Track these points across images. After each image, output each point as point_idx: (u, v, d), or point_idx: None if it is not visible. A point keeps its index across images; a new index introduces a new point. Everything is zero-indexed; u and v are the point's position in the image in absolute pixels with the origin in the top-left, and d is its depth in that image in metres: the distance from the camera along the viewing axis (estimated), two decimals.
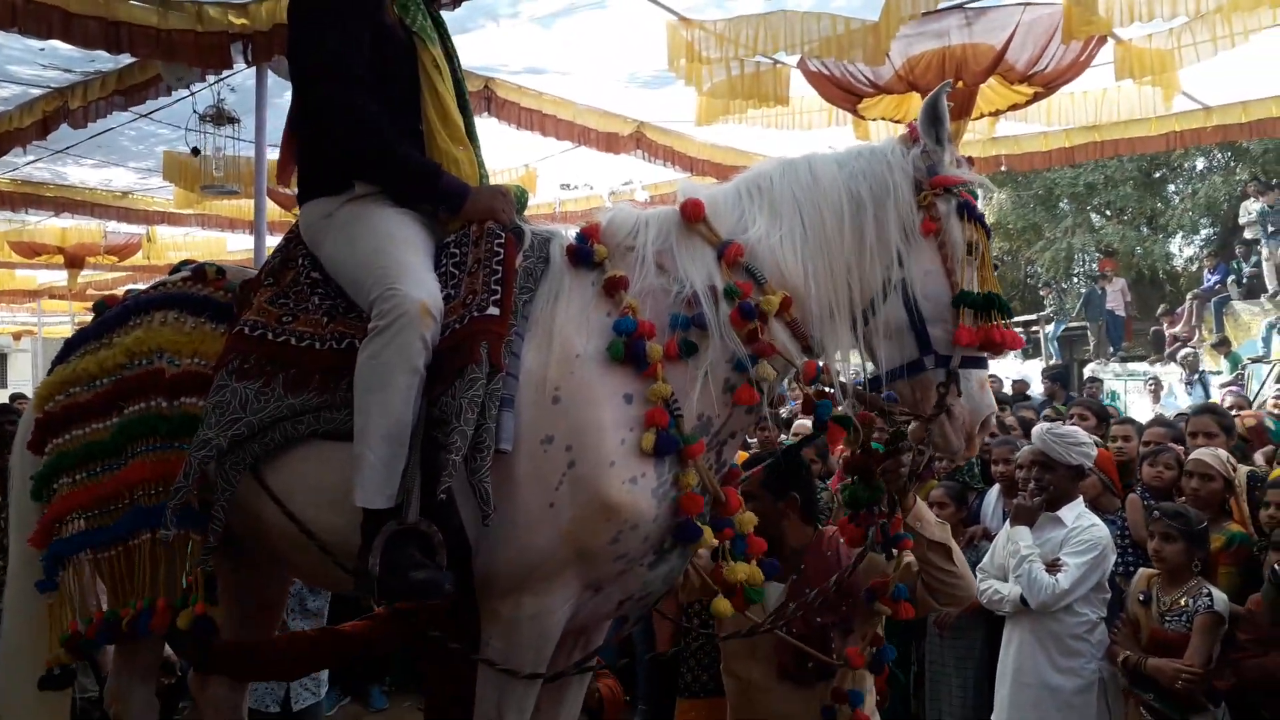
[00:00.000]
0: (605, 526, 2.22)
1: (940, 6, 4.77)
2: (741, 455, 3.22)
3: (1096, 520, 3.95)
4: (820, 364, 2.37)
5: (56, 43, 5.05)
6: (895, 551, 2.64)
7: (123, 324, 2.73)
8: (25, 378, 30.18)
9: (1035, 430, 4.14)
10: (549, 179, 9.44)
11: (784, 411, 7.00)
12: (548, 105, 7.06)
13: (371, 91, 2.44)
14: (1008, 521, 4.04)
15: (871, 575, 2.72)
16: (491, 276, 2.34)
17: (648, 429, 2.23)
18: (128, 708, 2.89)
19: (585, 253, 2.42)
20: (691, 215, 2.39)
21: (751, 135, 8.01)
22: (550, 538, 2.23)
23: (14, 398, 10.55)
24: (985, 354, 2.35)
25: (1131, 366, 15.17)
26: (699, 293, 2.31)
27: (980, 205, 2.40)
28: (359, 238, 2.43)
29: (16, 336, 27.68)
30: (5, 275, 14.44)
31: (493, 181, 2.73)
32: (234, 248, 12.45)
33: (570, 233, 2.63)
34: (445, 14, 2.86)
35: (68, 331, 24.30)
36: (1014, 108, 6.05)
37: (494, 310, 2.27)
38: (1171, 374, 13.28)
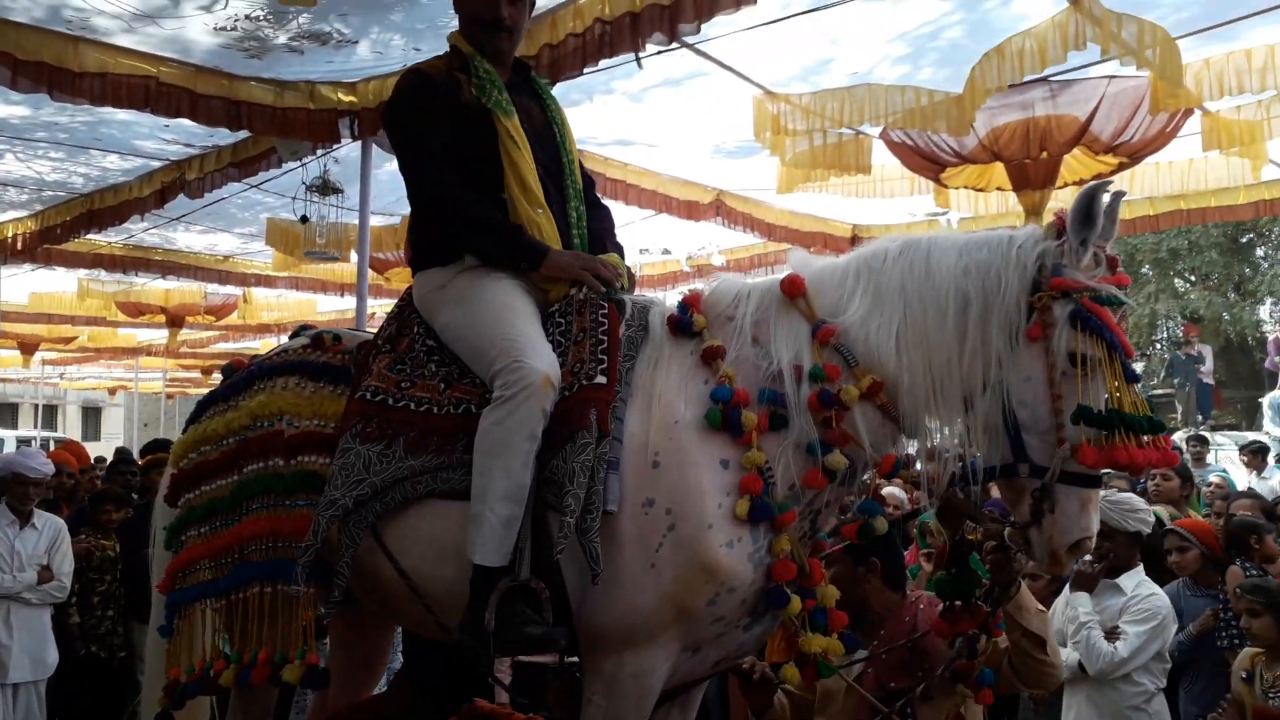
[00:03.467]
0: (704, 588, 2.30)
1: (1025, 79, 4.83)
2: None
3: (1156, 589, 3.91)
4: (904, 453, 2.39)
5: (182, 120, 5.42)
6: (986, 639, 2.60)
7: (248, 388, 2.92)
8: (117, 430, 31.39)
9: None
10: (628, 244, 9.64)
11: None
12: (632, 176, 7.29)
13: (451, 168, 2.63)
14: (1067, 587, 3.99)
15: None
16: (598, 346, 2.47)
17: (742, 495, 2.30)
18: None
19: (685, 323, 2.53)
20: (791, 291, 2.47)
21: (829, 202, 8.12)
22: (652, 598, 2.31)
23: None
24: (1099, 470, 2.24)
25: (1221, 436, 14.68)
26: (783, 371, 2.38)
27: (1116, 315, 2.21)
28: (476, 310, 2.58)
29: (111, 391, 28.87)
30: (108, 333, 15.14)
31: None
32: (323, 308, 12.92)
33: (668, 300, 2.76)
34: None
35: (159, 387, 25.14)
36: (1098, 178, 6.03)
37: (601, 379, 2.40)
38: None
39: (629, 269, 2.84)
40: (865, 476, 2.52)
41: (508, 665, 4.63)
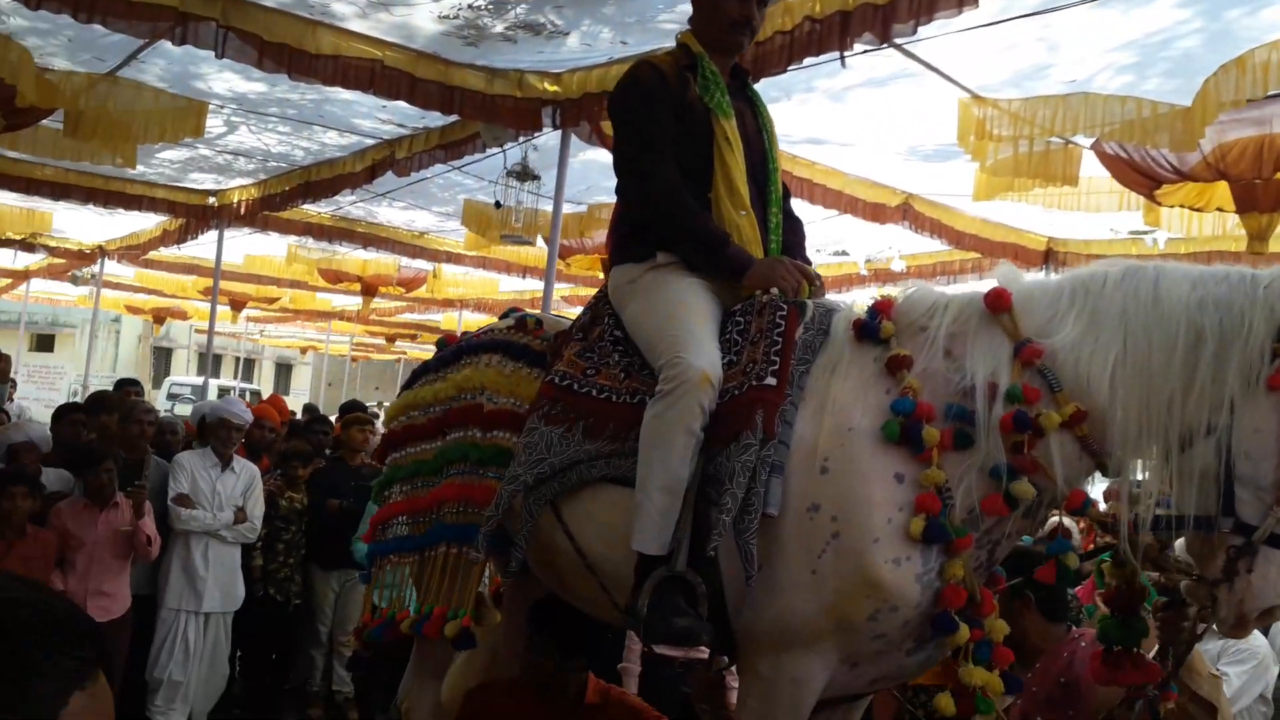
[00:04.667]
0: (865, 602, 2.26)
1: (1267, 94, 4.48)
2: None
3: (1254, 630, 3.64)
4: (1095, 492, 2.26)
5: (398, 101, 5.74)
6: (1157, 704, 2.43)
7: (456, 361, 3.11)
8: (305, 386, 33.65)
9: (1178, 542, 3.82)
10: (808, 244, 9.52)
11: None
12: (819, 175, 7.19)
13: (673, 163, 2.69)
14: None
15: (1115, 695, 2.57)
16: (771, 347, 2.47)
17: (918, 514, 2.23)
18: (418, 706, 3.20)
19: (872, 328, 2.48)
20: (995, 305, 2.37)
21: (1024, 212, 7.76)
22: (811, 604, 2.30)
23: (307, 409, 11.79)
24: None
25: None
26: (976, 386, 2.28)
27: None
28: (657, 304, 2.65)
29: (303, 351, 30.98)
30: (307, 296, 16.22)
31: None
32: (505, 288, 13.42)
33: (854, 305, 2.73)
34: None
35: (346, 350, 26.73)
36: None
37: (771, 380, 2.40)
38: None
39: (818, 275, 2.83)
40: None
41: (637, 654, 4.72)
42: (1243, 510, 2.10)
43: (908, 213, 7.88)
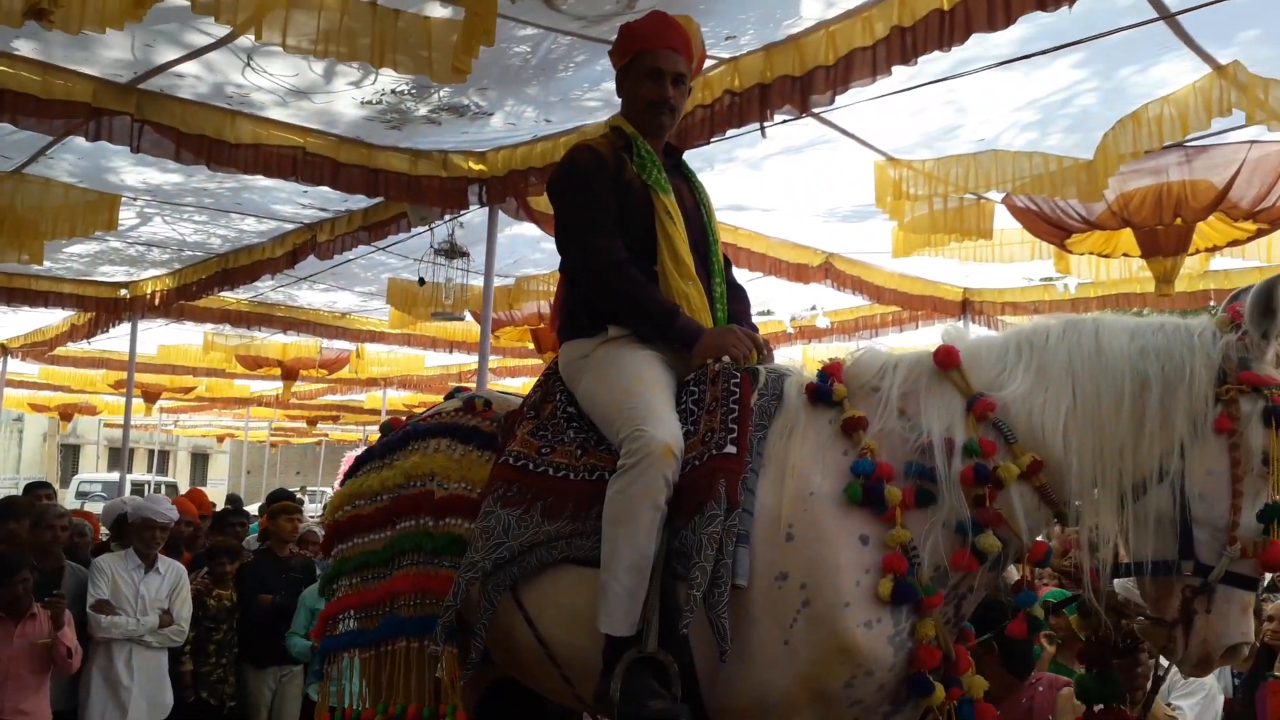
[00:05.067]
0: (840, 669, 2.23)
1: (1162, 145, 4.74)
2: None
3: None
4: (1053, 543, 2.29)
5: (320, 186, 5.69)
6: None
7: (403, 447, 3.03)
8: (223, 475, 32.58)
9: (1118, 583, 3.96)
10: None
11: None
12: (742, 239, 7.34)
13: (617, 238, 2.71)
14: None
15: None
16: (729, 415, 2.46)
17: (885, 575, 2.23)
18: None
19: (824, 391, 2.50)
20: (945, 363, 2.41)
21: (940, 265, 8.02)
22: (785, 676, 2.26)
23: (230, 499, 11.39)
24: (1260, 574, 2.16)
25: None
26: (934, 443, 2.30)
27: None
28: (612, 378, 2.63)
29: (219, 439, 30.06)
30: (225, 384, 15.78)
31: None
32: (431, 363, 13.28)
33: (804, 370, 2.76)
34: None
35: (265, 436, 26.02)
36: (1234, 243, 5.86)
37: (731, 449, 2.39)
38: None
39: (766, 341, 2.87)
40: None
41: None
42: (1200, 551, 2.14)
43: (829, 271, 8.06)
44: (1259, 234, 5.67)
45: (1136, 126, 4.69)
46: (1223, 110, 4.39)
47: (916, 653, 2.24)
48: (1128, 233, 5.74)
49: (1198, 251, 5.83)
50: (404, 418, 3.31)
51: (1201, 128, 4.46)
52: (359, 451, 3.45)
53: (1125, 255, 6.14)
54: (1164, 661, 2.49)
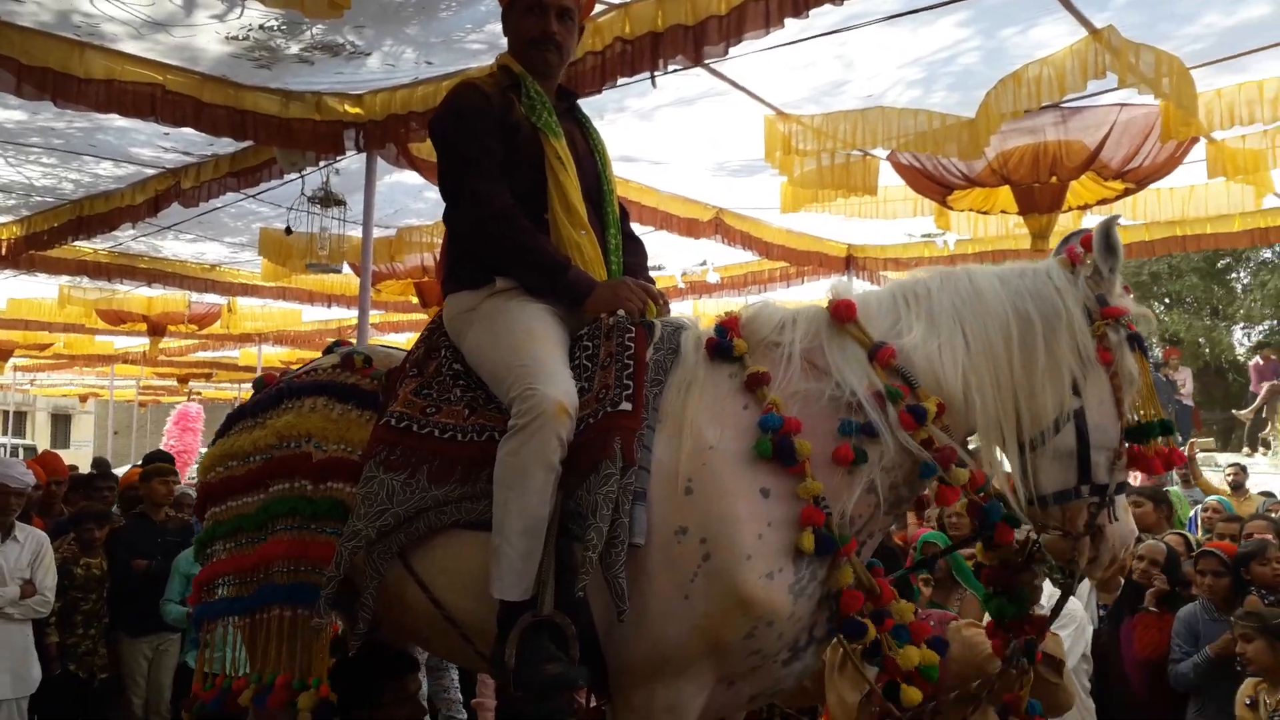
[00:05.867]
0: (740, 621, 2.23)
1: (1040, 105, 4.85)
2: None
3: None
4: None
5: (183, 128, 5.32)
6: (1029, 665, 2.55)
7: (276, 406, 2.87)
8: (88, 439, 30.90)
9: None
10: None
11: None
12: (633, 193, 7.25)
13: (504, 184, 2.59)
14: None
15: (965, 669, 2.69)
16: (623, 371, 2.40)
17: (804, 528, 2.24)
18: None
19: (724, 346, 2.46)
20: (843, 316, 2.42)
21: (826, 222, 8.13)
22: (684, 630, 2.25)
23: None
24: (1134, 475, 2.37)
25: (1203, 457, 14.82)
26: (861, 397, 2.32)
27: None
28: (500, 333, 2.53)
29: (83, 398, 28.43)
30: (85, 340, 14.88)
31: None
32: (309, 318, 12.78)
33: (700, 323, 2.71)
34: None
35: (133, 395, 24.79)
36: (1103, 202, 6.08)
37: (626, 405, 2.33)
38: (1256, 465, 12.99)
39: (661, 293, 2.80)
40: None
41: (492, 689, 4.57)
42: (1096, 473, 2.28)
43: (719, 226, 8.07)
44: (1126, 193, 5.92)
45: (1017, 86, 4.78)
46: (1097, 73, 4.51)
47: (842, 598, 2.26)
48: (1006, 190, 5.90)
49: (1070, 209, 6.03)
50: (279, 373, 3.13)
51: (1078, 89, 4.58)
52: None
53: (1003, 212, 6.33)
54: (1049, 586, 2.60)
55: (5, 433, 23.49)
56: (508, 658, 2.23)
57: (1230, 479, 9.59)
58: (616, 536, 2.20)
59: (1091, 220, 7.46)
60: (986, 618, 2.69)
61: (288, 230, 6.89)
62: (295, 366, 3.55)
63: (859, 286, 2.63)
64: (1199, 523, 6.99)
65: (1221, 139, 5.74)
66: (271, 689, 2.64)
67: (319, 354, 3.16)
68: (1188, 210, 6.97)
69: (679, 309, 10.64)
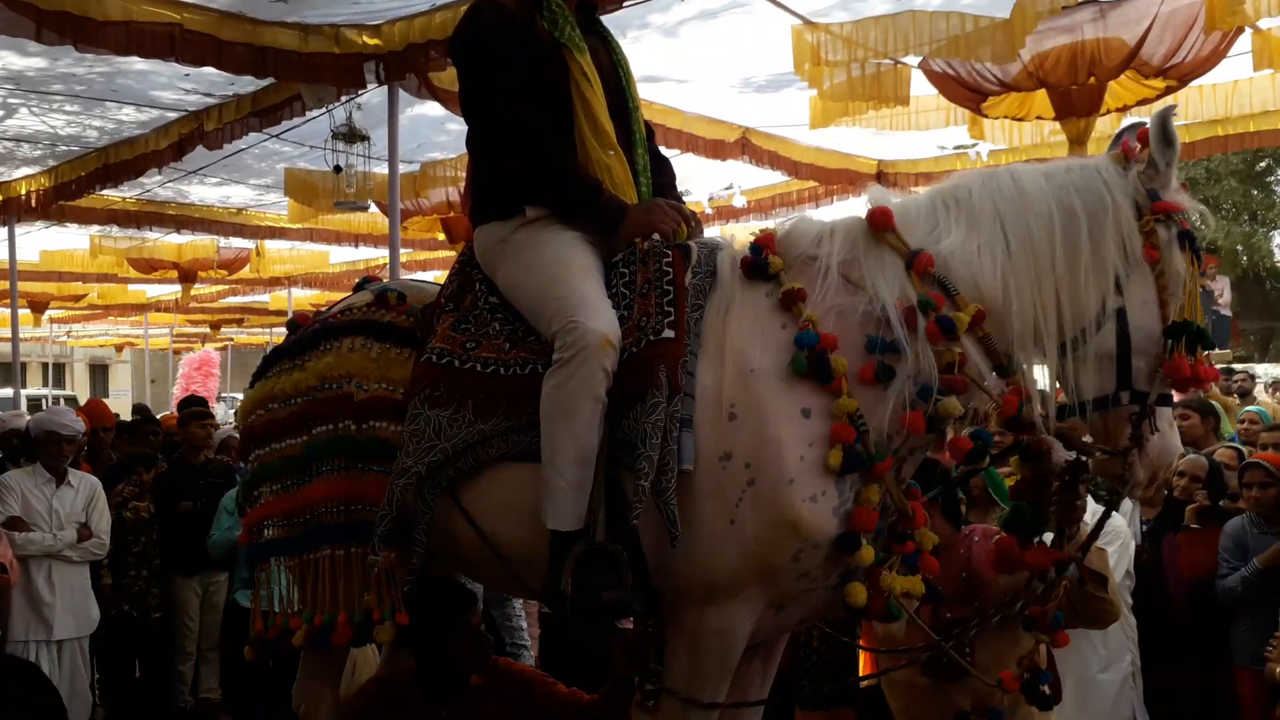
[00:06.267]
0: (787, 544, 2.23)
1: (1078, 2, 4.68)
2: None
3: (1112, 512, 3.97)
4: (1018, 394, 2.27)
5: (202, 69, 5.27)
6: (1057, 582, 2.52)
7: (315, 347, 2.83)
8: (125, 388, 31.39)
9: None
10: None
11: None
12: (658, 115, 7.12)
13: (532, 105, 2.51)
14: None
15: (1013, 583, 2.69)
16: (664, 297, 2.36)
17: (834, 445, 2.21)
18: (315, 710, 3.00)
19: (760, 264, 2.41)
20: (880, 224, 2.36)
21: (854, 137, 7.97)
22: (732, 555, 2.25)
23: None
24: (1177, 389, 2.26)
25: (1237, 367, 14.63)
26: (889, 310, 2.26)
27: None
28: (534, 265, 2.49)
29: (119, 348, 28.85)
30: (117, 289, 15.04)
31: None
32: (337, 259, 12.82)
33: (734, 241, 2.66)
34: None
35: (167, 343, 25.09)
36: (1143, 102, 5.89)
37: (669, 333, 2.30)
38: None
39: (694, 213, 2.74)
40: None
41: (535, 618, 4.64)
42: (1137, 380, 2.21)
43: (746, 147, 7.93)
44: (1167, 91, 5.71)
45: None
46: None
47: (853, 515, 2.24)
48: (1042, 95, 5.74)
49: (1109, 111, 5.86)
50: (313, 314, 3.11)
51: None
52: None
53: (1039, 118, 6.15)
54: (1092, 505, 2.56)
55: (46, 384, 23.95)
56: (564, 586, 2.24)
57: (1237, 387, 9.39)
58: (666, 464, 2.20)
59: (1130, 122, 7.27)
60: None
61: (337, 169, 6.79)
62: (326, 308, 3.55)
63: (897, 196, 2.55)
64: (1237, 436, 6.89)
65: (1268, 28, 5.51)
66: (333, 627, 2.67)
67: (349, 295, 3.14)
68: (1230, 108, 6.75)
69: (708, 234, 10.57)
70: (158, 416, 9.17)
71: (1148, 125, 2.26)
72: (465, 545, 2.55)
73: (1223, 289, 15.81)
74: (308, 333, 2.89)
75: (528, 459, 2.37)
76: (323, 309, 3.15)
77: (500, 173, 2.60)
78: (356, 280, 3.21)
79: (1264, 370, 13.14)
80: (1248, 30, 5.45)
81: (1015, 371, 2.29)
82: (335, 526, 2.66)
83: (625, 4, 4.47)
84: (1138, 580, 4.39)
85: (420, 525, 2.50)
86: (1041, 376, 2.35)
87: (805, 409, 2.25)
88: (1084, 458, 2.36)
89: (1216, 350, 14.78)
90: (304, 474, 2.74)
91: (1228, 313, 15.62)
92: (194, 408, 6.54)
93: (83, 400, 15.97)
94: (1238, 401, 8.35)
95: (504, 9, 2.55)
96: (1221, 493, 4.54)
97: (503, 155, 2.57)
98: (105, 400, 12.37)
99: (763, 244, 2.46)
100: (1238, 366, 14.55)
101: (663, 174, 2.83)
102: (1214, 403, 6.83)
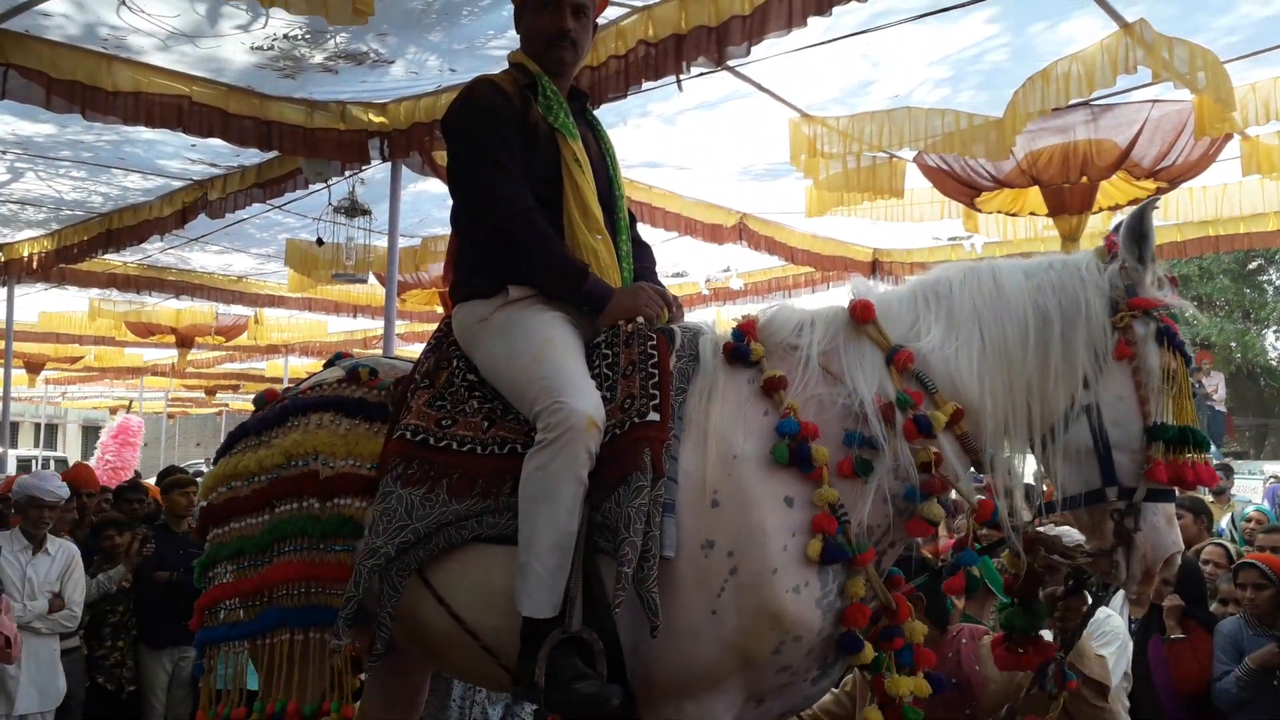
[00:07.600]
0: (769, 636, 2.18)
1: (1069, 103, 4.77)
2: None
3: (1111, 611, 3.89)
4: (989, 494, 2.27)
5: (208, 140, 5.35)
6: (1057, 690, 2.46)
7: (282, 424, 2.79)
8: None
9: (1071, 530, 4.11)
10: None
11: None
12: (657, 199, 7.23)
13: (523, 183, 2.52)
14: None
15: (1005, 688, 2.62)
16: (649, 380, 2.34)
17: (814, 535, 2.18)
18: None
19: (742, 351, 2.41)
20: (861, 317, 2.36)
21: (851, 225, 8.07)
22: (713, 646, 2.19)
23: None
24: (1175, 488, 2.22)
25: (1238, 464, 14.58)
26: (866, 405, 2.25)
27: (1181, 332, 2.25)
28: (517, 345, 2.46)
29: (113, 411, 28.72)
30: (114, 352, 15.03)
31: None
32: (334, 329, 12.86)
33: (716, 327, 2.66)
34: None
35: (162, 407, 24.98)
36: (1134, 202, 5.97)
37: (654, 416, 2.27)
38: None
39: (676, 298, 2.74)
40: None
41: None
42: (1123, 475, 2.19)
43: (743, 232, 8.04)
44: (1158, 192, 5.79)
45: (1045, 83, 4.71)
46: (1129, 68, 4.43)
47: (846, 611, 2.20)
48: (1035, 191, 5.82)
49: (1101, 210, 5.93)
50: (280, 389, 3.07)
51: (1108, 84, 4.51)
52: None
53: (1032, 214, 6.24)
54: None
55: (37, 445, 23.78)
56: (537, 676, 2.17)
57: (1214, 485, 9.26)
58: (649, 550, 2.14)
59: (1120, 220, 7.35)
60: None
61: (319, 241, 6.89)
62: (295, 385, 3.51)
63: (881, 287, 2.55)
64: (1228, 533, 6.82)
65: (1256, 135, 5.63)
66: (282, 716, 2.58)
67: None
68: (1221, 209, 6.85)
69: (703, 315, 10.64)
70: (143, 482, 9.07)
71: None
72: (432, 630, 2.46)
73: (1217, 385, 15.83)
74: (275, 409, 2.84)
75: (502, 542, 2.31)
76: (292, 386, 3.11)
77: (484, 250, 2.58)
78: (354, 350, 3.18)
79: (1245, 466, 13.05)
80: (1237, 136, 5.57)
81: (993, 470, 2.27)
82: (295, 610, 2.58)
83: (628, 93, 4.54)
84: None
85: (386, 608, 2.41)
86: (1028, 473, 2.34)
87: (788, 497, 2.22)
88: (1064, 560, 2.34)
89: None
90: (264, 554, 2.66)
91: (1222, 409, 15.61)
92: (175, 475, 6.45)
93: (73, 462, 15.85)
94: (1212, 499, 8.30)
95: (501, 90, 2.58)
96: (1198, 591, 4.46)
97: (491, 233, 2.56)
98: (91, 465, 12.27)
99: (745, 330, 2.46)
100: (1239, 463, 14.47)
101: (644, 259, 2.85)
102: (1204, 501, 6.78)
